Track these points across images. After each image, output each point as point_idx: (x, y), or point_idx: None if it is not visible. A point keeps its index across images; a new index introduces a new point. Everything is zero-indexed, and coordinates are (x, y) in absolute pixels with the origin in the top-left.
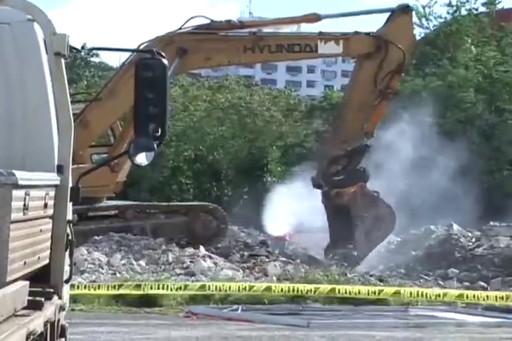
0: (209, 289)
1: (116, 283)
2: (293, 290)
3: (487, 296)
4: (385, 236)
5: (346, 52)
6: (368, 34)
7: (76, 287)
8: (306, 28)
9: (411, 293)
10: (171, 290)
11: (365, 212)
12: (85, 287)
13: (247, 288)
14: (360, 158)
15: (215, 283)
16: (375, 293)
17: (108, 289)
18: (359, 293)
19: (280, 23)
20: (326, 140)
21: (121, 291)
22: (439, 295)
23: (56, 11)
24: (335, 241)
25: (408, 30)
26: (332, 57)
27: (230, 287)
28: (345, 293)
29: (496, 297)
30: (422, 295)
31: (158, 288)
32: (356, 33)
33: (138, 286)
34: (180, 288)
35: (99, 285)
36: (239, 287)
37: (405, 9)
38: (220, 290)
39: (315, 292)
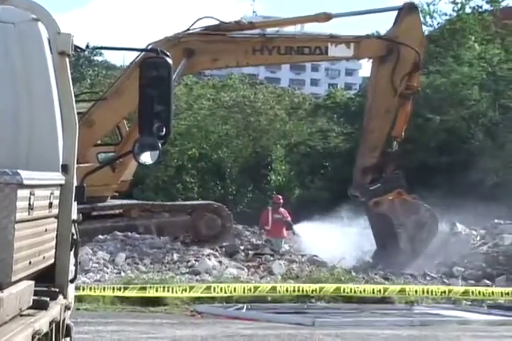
0: (214, 291)
1: (122, 286)
2: (298, 290)
3: (492, 292)
4: (429, 240)
5: (357, 55)
6: (379, 37)
7: (82, 289)
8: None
9: (416, 291)
10: (176, 292)
11: (406, 219)
12: (90, 289)
13: (252, 290)
14: (393, 164)
15: (220, 285)
16: (380, 292)
17: (113, 291)
18: (364, 291)
19: (290, 23)
20: (358, 151)
21: (126, 293)
22: (445, 292)
23: (76, 10)
24: (381, 250)
25: (417, 29)
26: (342, 59)
27: (235, 288)
28: (351, 291)
29: (502, 293)
30: (428, 292)
31: (164, 291)
32: (368, 36)
33: (143, 289)
34: (185, 290)
35: (104, 288)
36: (244, 288)
37: (412, 8)
38: (225, 291)
39: (320, 291)
